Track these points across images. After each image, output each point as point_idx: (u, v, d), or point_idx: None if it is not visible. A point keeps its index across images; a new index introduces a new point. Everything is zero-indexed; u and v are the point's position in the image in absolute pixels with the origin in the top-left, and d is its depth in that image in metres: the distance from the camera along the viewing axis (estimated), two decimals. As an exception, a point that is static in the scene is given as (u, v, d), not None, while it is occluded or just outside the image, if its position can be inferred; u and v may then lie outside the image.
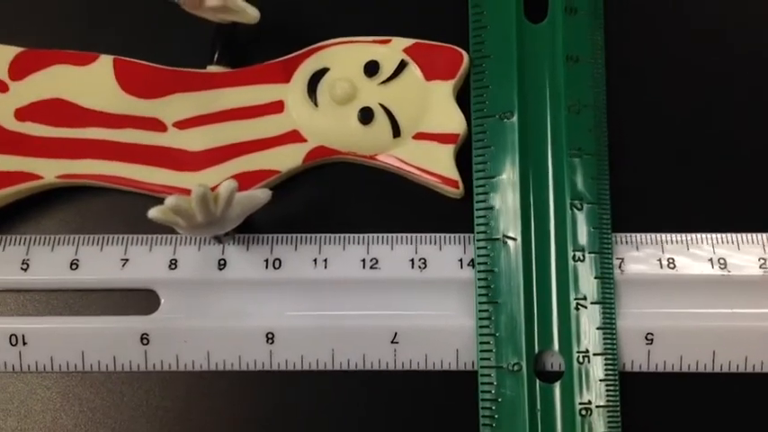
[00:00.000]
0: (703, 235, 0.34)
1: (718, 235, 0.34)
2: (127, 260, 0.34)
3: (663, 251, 0.34)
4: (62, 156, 0.35)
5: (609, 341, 0.33)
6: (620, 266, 0.34)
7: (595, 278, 0.33)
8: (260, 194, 0.32)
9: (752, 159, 0.36)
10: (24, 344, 0.34)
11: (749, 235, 0.34)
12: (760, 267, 0.34)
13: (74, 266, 0.34)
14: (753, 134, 0.36)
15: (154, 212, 0.29)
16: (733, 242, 0.34)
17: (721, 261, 0.34)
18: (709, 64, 0.37)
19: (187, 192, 0.29)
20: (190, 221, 0.30)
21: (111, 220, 0.35)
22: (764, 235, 0.34)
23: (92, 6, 0.37)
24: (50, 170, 0.34)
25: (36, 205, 0.35)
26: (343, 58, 0.36)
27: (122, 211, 0.35)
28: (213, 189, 0.30)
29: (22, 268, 0.34)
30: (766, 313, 0.33)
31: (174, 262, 0.34)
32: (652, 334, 0.33)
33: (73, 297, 0.34)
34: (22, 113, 0.35)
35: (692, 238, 0.34)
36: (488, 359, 0.33)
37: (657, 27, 0.38)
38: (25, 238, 0.35)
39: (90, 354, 0.33)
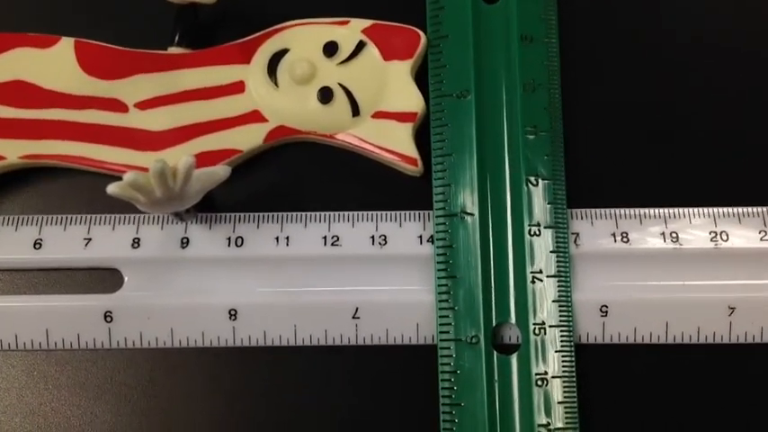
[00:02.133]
0: (656, 210, 0.34)
1: (670, 210, 0.34)
2: (90, 239, 0.34)
3: (617, 226, 0.34)
4: (24, 137, 0.34)
5: (564, 313, 0.33)
6: (575, 241, 0.34)
7: (551, 252, 0.33)
8: (219, 171, 0.31)
9: (703, 136, 0.36)
10: (-12, 323, 0.33)
11: (700, 209, 0.34)
12: (711, 240, 0.34)
13: (37, 246, 0.34)
14: (703, 111, 0.36)
15: (113, 188, 0.29)
16: (684, 216, 0.34)
17: (673, 235, 0.34)
18: (661, 41, 0.37)
19: (146, 171, 0.29)
20: (149, 197, 0.30)
21: (74, 201, 0.35)
22: (714, 209, 0.34)
23: (52, -11, 0.37)
24: (13, 151, 0.34)
25: (-1, 185, 0.34)
26: (302, 38, 0.35)
27: (85, 192, 0.35)
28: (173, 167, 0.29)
29: (-15, 248, 0.33)
30: (717, 285, 0.33)
31: (136, 241, 0.34)
32: (607, 306, 0.33)
33: (37, 276, 0.34)
34: (-16, 95, 0.34)
35: (644, 213, 0.34)
36: (447, 332, 0.33)
37: (610, 5, 0.38)
38: (-12, 219, 0.34)
39: (54, 332, 0.33)
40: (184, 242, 0.34)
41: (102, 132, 0.34)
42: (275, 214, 0.34)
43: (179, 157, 0.30)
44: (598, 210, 0.35)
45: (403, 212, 0.34)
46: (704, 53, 0.37)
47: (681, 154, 0.35)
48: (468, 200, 0.34)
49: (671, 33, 0.37)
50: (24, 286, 0.34)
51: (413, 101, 0.35)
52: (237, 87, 0.35)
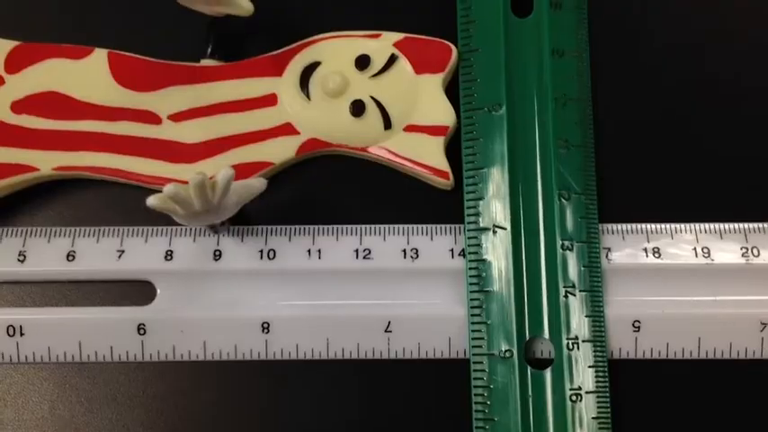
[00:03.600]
0: (687, 225, 0.34)
1: (702, 225, 0.34)
2: (123, 251, 0.33)
3: (648, 241, 0.33)
4: (58, 148, 0.33)
5: (597, 328, 0.32)
6: (607, 256, 0.33)
7: (583, 267, 0.32)
8: (256, 183, 0.31)
9: (734, 151, 0.35)
10: (22, 335, 0.32)
11: (731, 224, 0.34)
12: (742, 256, 0.33)
13: (70, 258, 0.33)
14: (735, 127, 0.35)
15: (153, 200, 0.28)
16: (716, 231, 0.33)
17: (705, 250, 0.33)
18: (693, 57, 0.36)
19: (182, 183, 0.28)
20: (187, 209, 0.29)
21: (107, 212, 0.34)
22: (745, 225, 0.34)
23: (87, 0, 0.36)
24: (46, 162, 0.33)
25: (32, 198, 0.34)
26: (334, 51, 0.35)
27: (118, 203, 0.34)
28: (210, 179, 0.29)
29: (18, 260, 0.33)
30: (749, 300, 0.33)
31: (169, 253, 0.33)
32: (639, 321, 0.32)
33: (69, 288, 0.33)
34: (18, 106, 0.34)
35: (676, 228, 0.34)
36: (480, 347, 0.32)
37: (641, 21, 0.37)
38: (22, 230, 0.33)
39: (87, 344, 0.32)
40: (217, 255, 0.33)
41: (135, 144, 0.34)
42: (307, 227, 0.34)
43: (212, 169, 0.30)
44: (629, 224, 0.34)
45: (434, 226, 0.34)
46: (736, 69, 0.36)
47: (712, 169, 0.35)
48: (500, 214, 0.33)
49: (702, 48, 0.36)
50: (57, 298, 0.33)
51: (444, 114, 0.34)
52: (270, 100, 0.34)
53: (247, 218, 0.33)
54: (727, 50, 0.36)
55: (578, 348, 0.32)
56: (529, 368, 0.31)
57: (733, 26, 0.37)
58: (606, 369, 0.32)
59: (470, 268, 0.32)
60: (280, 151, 0.34)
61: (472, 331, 0.32)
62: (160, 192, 0.28)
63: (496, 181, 0.33)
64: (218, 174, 0.29)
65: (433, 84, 0.34)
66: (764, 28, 0.37)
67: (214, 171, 0.30)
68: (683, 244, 0.33)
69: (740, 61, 0.36)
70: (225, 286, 0.33)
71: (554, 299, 0.32)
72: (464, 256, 0.33)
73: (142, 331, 0.32)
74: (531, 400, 0.31)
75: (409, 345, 0.32)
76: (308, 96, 0.34)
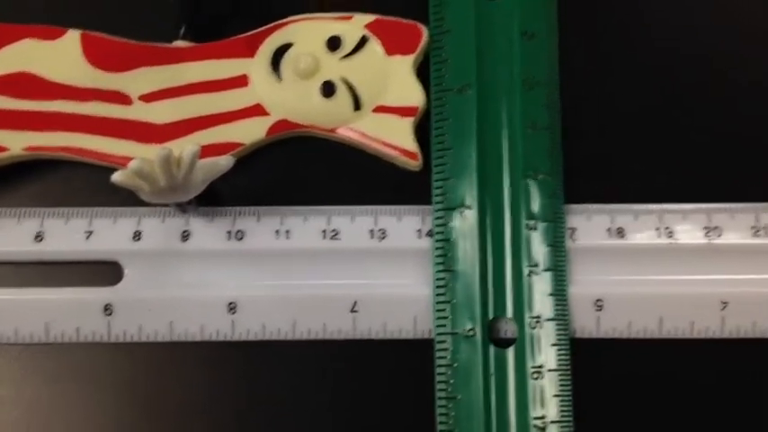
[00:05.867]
0: (651, 206, 0.32)
1: (665, 206, 0.32)
2: (91, 232, 0.32)
3: (612, 221, 0.32)
4: (28, 128, 0.32)
5: (560, 307, 0.31)
6: (571, 236, 0.32)
7: (548, 246, 0.31)
8: (222, 161, 0.29)
9: (697, 133, 0.34)
10: (-12, 315, 0.31)
11: (694, 205, 0.32)
12: (704, 236, 0.32)
13: (38, 239, 0.32)
14: (698, 109, 0.34)
15: (118, 176, 0.27)
16: (678, 212, 0.32)
17: (668, 230, 0.32)
18: (659, 39, 0.35)
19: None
20: (153, 186, 0.28)
21: (76, 194, 0.32)
22: (708, 205, 0.32)
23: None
24: (16, 142, 0.32)
25: (2, 178, 0.32)
26: (306, 33, 0.33)
27: (87, 185, 0.32)
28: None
29: (-14, 240, 0.32)
30: (710, 280, 0.31)
31: (137, 234, 0.32)
32: (602, 301, 0.31)
33: (37, 269, 0.32)
34: (-11, 86, 0.32)
35: (639, 209, 0.32)
36: (444, 326, 0.31)
37: (610, 3, 0.35)
38: (-9, 211, 0.32)
39: (54, 325, 0.31)
40: (185, 235, 0.32)
41: (105, 124, 0.32)
42: (275, 208, 0.32)
43: (182, 149, 0.28)
44: (594, 205, 0.33)
45: (402, 207, 0.32)
46: (702, 51, 0.35)
47: (675, 151, 0.33)
48: (467, 194, 0.32)
49: (669, 31, 0.35)
50: (24, 279, 0.32)
51: (414, 95, 0.33)
52: (241, 81, 0.33)
53: (216, 199, 0.32)
54: (696, 32, 0.35)
55: (541, 327, 0.31)
56: (492, 347, 0.30)
57: (701, 9, 0.36)
58: (568, 347, 0.30)
59: (436, 248, 0.31)
60: (250, 132, 0.32)
61: (437, 310, 0.31)
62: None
63: (464, 161, 0.32)
64: (183, 150, 0.28)
65: (404, 65, 0.33)
66: (733, 10, 0.36)
67: (184, 151, 0.28)
68: (646, 224, 0.32)
69: (707, 44, 0.35)
70: (193, 267, 0.31)
71: (518, 278, 0.31)
72: (431, 236, 0.32)
73: (109, 312, 0.31)
74: (493, 378, 0.30)
75: (375, 324, 0.31)
76: (279, 77, 0.33)
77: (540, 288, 0.31)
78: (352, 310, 0.31)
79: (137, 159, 0.27)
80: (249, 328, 0.31)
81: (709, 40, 0.35)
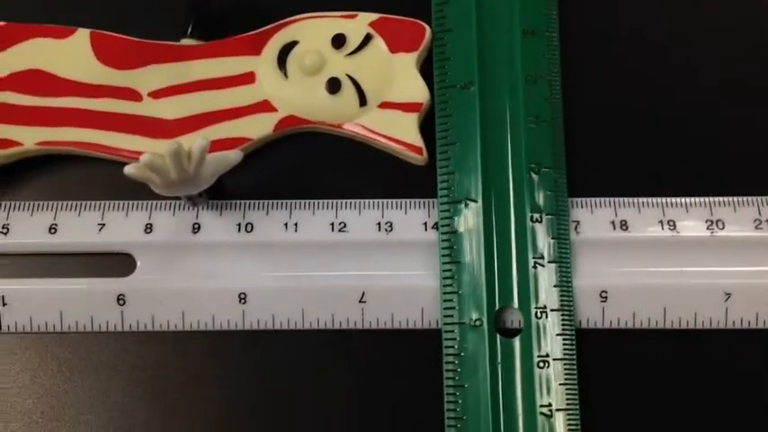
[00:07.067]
0: (654, 199, 0.33)
1: (668, 199, 0.33)
2: (104, 225, 0.32)
3: (616, 214, 0.33)
4: (41, 124, 0.33)
5: (565, 298, 0.31)
6: (575, 229, 0.32)
7: (552, 238, 0.32)
8: (231, 155, 0.30)
9: (699, 127, 0.34)
10: (4, 305, 0.32)
11: (696, 198, 0.33)
12: (707, 228, 0.32)
13: (52, 231, 0.32)
14: (701, 103, 0.35)
15: (130, 169, 0.28)
16: (681, 205, 0.33)
17: (671, 223, 0.32)
18: (660, 34, 0.36)
19: (160, 155, 0.28)
20: (164, 178, 0.29)
21: (89, 187, 0.33)
22: (711, 198, 0.33)
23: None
24: (30, 138, 0.33)
25: (16, 172, 0.33)
26: (311, 31, 0.34)
27: (99, 178, 0.33)
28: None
29: (2, 232, 0.32)
30: (713, 271, 0.32)
31: (149, 226, 0.32)
32: (606, 292, 0.32)
33: (51, 260, 0.32)
34: (2, 83, 0.33)
35: (643, 202, 0.33)
36: (451, 316, 0.31)
37: (610, 1, 0.36)
38: (6, 204, 0.32)
39: (68, 315, 0.32)
40: (196, 228, 0.32)
41: (116, 120, 0.33)
42: (284, 201, 0.33)
43: (191, 144, 0.29)
44: (598, 198, 0.33)
45: (408, 200, 0.33)
46: (702, 46, 0.35)
47: (678, 144, 0.34)
48: (472, 187, 0.32)
49: (669, 27, 0.36)
50: (39, 270, 0.32)
51: (418, 92, 0.33)
52: (248, 78, 0.34)
53: (226, 192, 0.33)
54: (697, 28, 0.36)
55: (546, 317, 0.31)
56: (498, 336, 0.31)
57: (701, 8, 0.36)
58: (573, 337, 0.31)
59: (443, 240, 0.32)
60: (258, 128, 0.33)
61: (444, 301, 0.31)
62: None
63: (468, 156, 0.32)
64: (193, 144, 0.28)
65: (408, 62, 0.34)
66: (729, 10, 0.36)
67: (192, 146, 0.29)
68: (649, 217, 0.33)
69: (706, 41, 0.36)
70: (203, 258, 0.32)
71: (523, 269, 0.31)
72: (437, 228, 0.32)
73: (122, 302, 0.32)
74: (500, 367, 0.30)
75: (383, 315, 0.32)
76: (285, 75, 0.33)
77: (546, 279, 0.31)
78: (361, 301, 0.32)
79: (148, 153, 0.28)
80: (259, 317, 0.32)
81: (711, 33, 0.36)
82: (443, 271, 0.32)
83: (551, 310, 0.31)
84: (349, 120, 0.33)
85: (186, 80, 0.33)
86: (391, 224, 0.32)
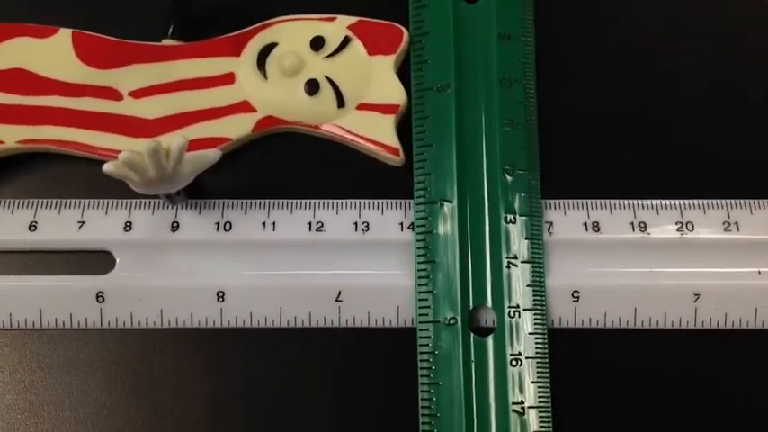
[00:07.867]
0: (625, 201, 0.34)
1: (639, 201, 0.34)
2: (83, 223, 0.33)
3: (588, 216, 0.33)
4: (22, 122, 0.33)
5: (538, 298, 0.32)
6: (549, 230, 0.33)
7: (526, 239, 0.32)
8: (210, 154, 0.30)
9: (670, 131, 0.35)
10: (-18, 302, 0.32)
11: (667, 201, 0.33)
12: (677, 230, 0.33)
13: (32, 228, 0.33)
14: (671, 107, 0.35)
15: (109, 167, 0.28)
16: (652, 207, 0.33)
17: (641, 225, 0.33)
18: (631, 39, 0.36)
19: (140, 154, 0.28)
20: (143, 176, 0.29)
21: (69, 185, 0.33)
22: (681, 201, 0.34)
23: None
24: (11, 136, 0.33)
25: (-3, 171, 0.33)
26: (290, 33, 0.34)
27: (80, 177, 0.33)
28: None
29: (-18, 230, 0.32)
30: (683, 272, 0.33)
31: (128, 224, 0.33)
32: (578, 292, 0.32)
33: (31, 257, 0.33)
34: (-17, 83, 0.33)
35: (614, 204, 0.33)
36: (426, 314, 0.32)
37: (585, 5, 0.37)
38: (-15, 202, 0.33)
39: (47, 311, 0.32)
40: (174, 226, 0.33)
41: (97, 119, 0.33)
42: (263, 201, 0.33)
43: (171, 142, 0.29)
44: (571, 200, 0.34)
45: (385, 201, 0.33)
46: (673, 51, 0.36)
47: (649, 148, 0.35)
48: (448, 188, 0.33)
49: (640, 32, 0.36)
50: (19, 267, 0.32)
51: (395, 94, 0.34)
52: (228, 79, 0.34)
53: (205, 191, 0.33)
54: (668, 32, 0.36)
55: (519, 316, 0.32)
56: (472, 335, 0.31)
57: (675, 11, 0.37)
58: (546, 336, 0.31)
59: (418, 240, 0.32)
60: (237, 128, 0.34)
61: (419, 300, 0.32)
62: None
63: (444, 157, 0.33)
64: (171, 142, 0.29)
65: (385, 65, 0.34)
66: (707, 9, 0.37)
67: (172, 145, 0.29)
68: (621, 219, 0.33)
69: (679, 42, 0.36)
70: (182, 256, 0.32)
71: (497, 269, 0.32)
72: (413, 228, 0.33)
73: (101, 299, 0.32)
74: (474, 365, 0.31)
75: (359, 313, 0.32)
76: (264, 76, 0.34)
77: (519, 279, 0.32)
78: (337, 300, 0.32)
79: (127, 150, 0.28)
80: (237, 315, 0.32)
81: (681, 37, 0.36)
82: (419, 270, 0.32)
83: (524, 310, 0.32)
84: (327, 121, 0.34)
85: (167, 80, 0.34)
86: (368, 224, 0.33)
